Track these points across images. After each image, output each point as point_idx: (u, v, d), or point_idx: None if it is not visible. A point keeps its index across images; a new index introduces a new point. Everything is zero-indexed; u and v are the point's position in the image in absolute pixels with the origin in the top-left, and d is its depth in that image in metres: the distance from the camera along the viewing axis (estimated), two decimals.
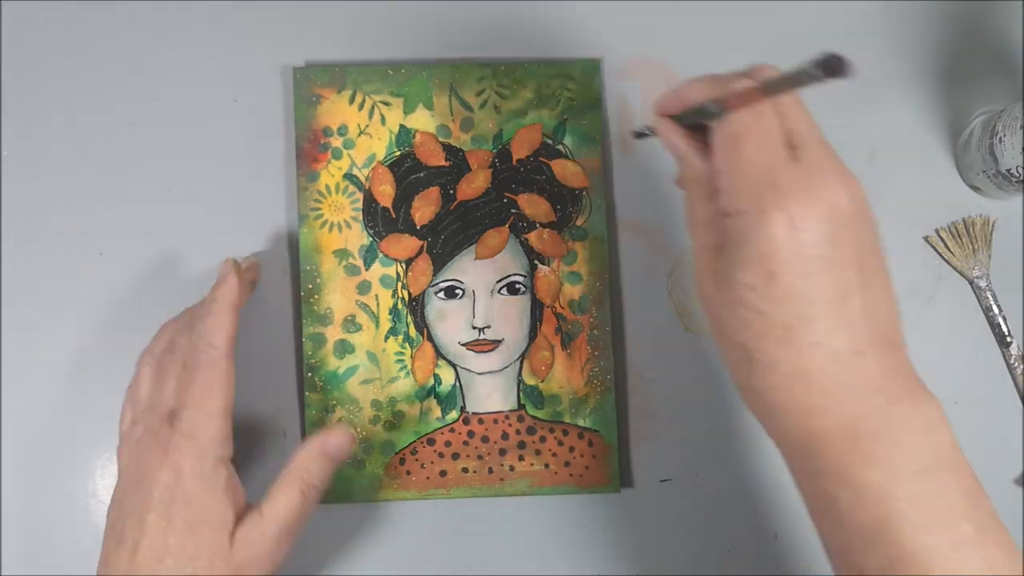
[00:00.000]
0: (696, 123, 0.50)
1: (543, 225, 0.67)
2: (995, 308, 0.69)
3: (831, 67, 0.39)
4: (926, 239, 0.69)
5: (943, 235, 0.69)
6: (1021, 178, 0.63)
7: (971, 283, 0.69)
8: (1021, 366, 0.68)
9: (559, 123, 0.68)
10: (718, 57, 0.69)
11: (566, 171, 0.68)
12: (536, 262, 0.67)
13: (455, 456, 0.66)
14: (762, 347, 0.46)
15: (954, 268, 0.69)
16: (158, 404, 0.58)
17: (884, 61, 0.70)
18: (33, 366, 0.67)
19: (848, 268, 0.45)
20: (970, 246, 0.69)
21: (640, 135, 0.60)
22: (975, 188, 0.69)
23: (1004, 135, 0.63)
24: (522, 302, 0.67)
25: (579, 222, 0.67)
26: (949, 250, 0.69)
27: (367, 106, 0.68)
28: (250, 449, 0.67)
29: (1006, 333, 0.69)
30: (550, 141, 0.68)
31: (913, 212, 0.69)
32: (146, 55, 0.69)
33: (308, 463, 0.59)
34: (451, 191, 0.67)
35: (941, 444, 0.46)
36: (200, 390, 0.57)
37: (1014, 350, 0.68)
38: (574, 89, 0.68)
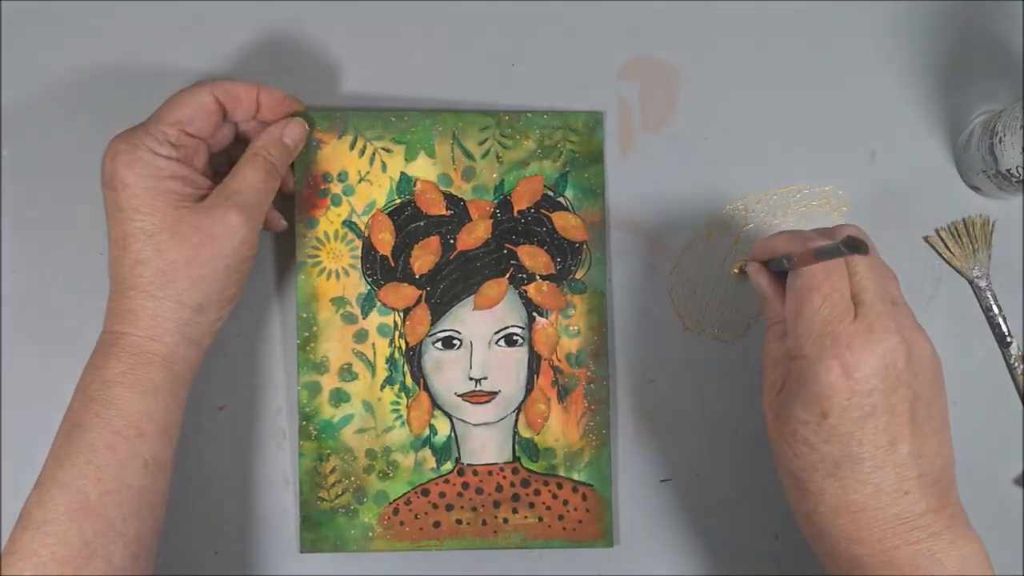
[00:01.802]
0: (782, 270, 0.56)
1: (542, 277, 0.67)
2: (995, 308, 0.69)
3: (853, 246, 0.48)
4: (926, 239, 0.69)
5: (943, 235, 0.69)
6: (1021, 178, 0.63)
7: (971, 283, 0.69)
8: (1021, 366, 0.68)
9: (561, 175, 0.68)
10: (718, 58, 0.70)
11: (567, 224, 0.67)
12: (534, 314, 0.67)
13: (449, 507, 0.66)
14: (812, 477, 0.52)
15: (954, 268, 0.69)
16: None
17: (884, 61, 0.70)
18: (33, 366, 0.67)
19: (898, 416, 0.51)
20: (970, 246, 0.69)
21: (742, 273, 0.63)
22: (975, 188, 0.69)
23: (1004, 135, 0.63)
24: (519, 354, 0.67)
25: (578, 275, 0.67)
26: (949, 250, 0.69)
27: (368, 152, 0.67)
28: (250, 449, 0.67)
29: (1006, 333, 0.69)
30: (551, 193, 0.67)
31: (913, 212, 0.69)
32: (151, 72, 0.69)
33: (268, 145, 0.62)
34: (451, 240, 0.67)
35: None
36: (169, 104, 0.60)
37: (1014, 350, 0.68)
38: (577, 141, 0.68)
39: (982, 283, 0.69)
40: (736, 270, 0.65)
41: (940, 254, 0.69)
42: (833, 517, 0.52)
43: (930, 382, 0.52)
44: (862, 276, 0.52)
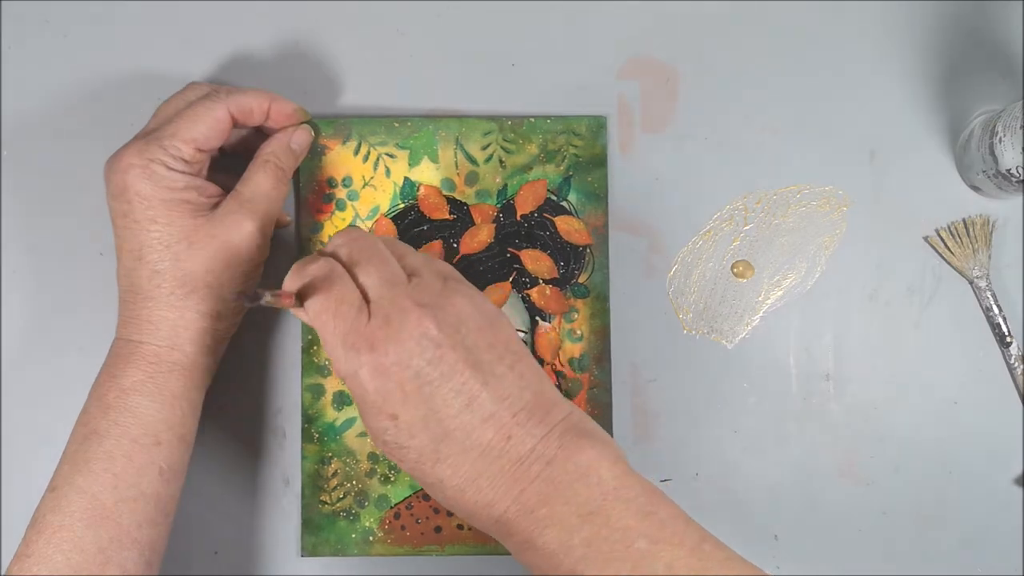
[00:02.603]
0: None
1: (545, 281, 0.67)
2: (995, 308, 0.69)
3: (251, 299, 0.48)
4: (926, 239, 0.69)
5: (943, 235, 0.69)
6: (1021, 178, 0.63)
7: (971, 283, 0.69)
8: (1021, 366, 0.68)
9: (564, 179, 0.68)
10: (718, 58, 0.70)
11: (570, 228, 0.67)
12: (537, 318, 0.67)
13: (450, 512, 0.66)
14: (425, 471, 0.51)
15: (954, 268, 0.69)
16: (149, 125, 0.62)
17: (884, 61, 0.70)
18: (33, 366, 0.67)
19: (460, 375, 0.49)
20: (970, 246, 0.69)
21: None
22: (975, 188, 0.69)
23: (1004, 135, 0.63)
24: None
25: (581, 279, 0.67)
26: (949, 250, 0.69)
27: (372, 158, 0.67)
28: (250, 449, 0.68)
29: (1006, 333, 0.69)
30: (554, 197, 0.68)
31: (913, 212, 0.69)
32: (151, 73, 0.69)
33: (278, 152, 0.63)
34: (454, 245, 0.67)
35: (601, 481, 0.49)
36: (185, 119, 0.59)
37: (1014, 350, 0.69)
38: (580, 146, 0.68)
39: (982, 283, 0.69)
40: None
41: (940, 254, 0.69)
42: (461, 496, 0.50)
43: (479, 330, 0.50)
44: (361, 271, 0.51)
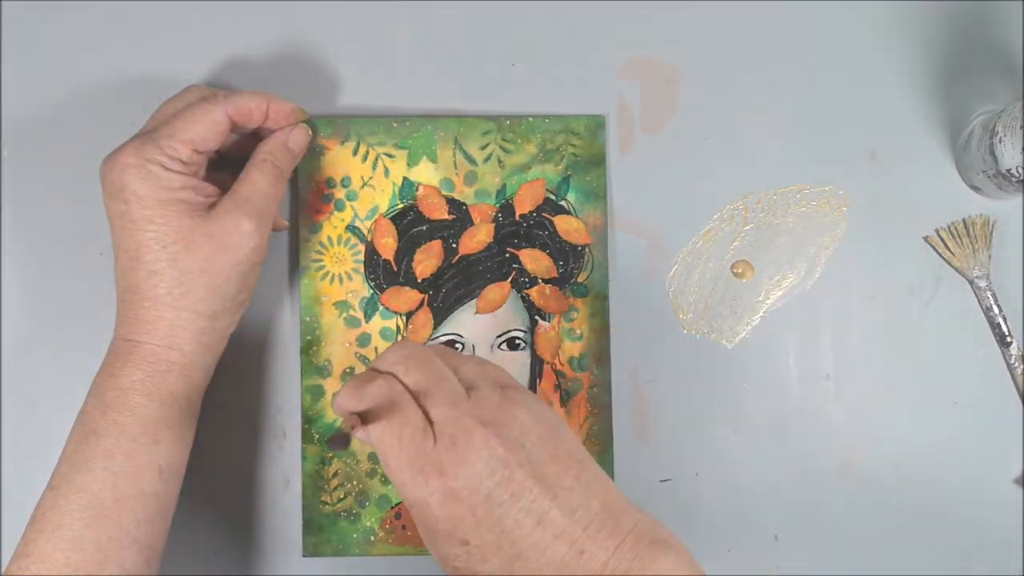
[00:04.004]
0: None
1: (544, 281, 0.67)
2: (995, 308, 0.69)
3: (330, 442, 0.47)
4: (926, 239, 0.69)
5: (943, 235, 0.69)
6: (1021, 178, 0.63)
7: (971, 283, 0.69)
8: (1021, 366, 0.68)
9: (563, 179, 0.68)
10: (718, 58, 0.70)
11: (569, 227, 0.67)
12: (536, 318, 0.67)
13: None
14: None
15: (954, 268, 0.69)
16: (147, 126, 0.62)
17: (884, 61, 0.70)
18: (33, 365, 0.68)
19: (529, 493, 0.48)
20: (970, 246, 0.69)
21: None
22: (975, 188, 0.69)
23: (1004, 135, 0.63)
24: (521, 358, 0.67)
25: (581, 279, 0.67)
26: (949, 250, 0.69)
27: (371, 158, 0.67)
28: (250, 449, 0.68)
29: (1006, 333, 0.69)
30: (553, 197, 0.68)
31: (913, 212, 0.69)
32: (151, 73, 0.69)
33: (275, 151, 0.62)
34: (453, 245, 0.67)
35: None
36: (183, 120, 0.59)
37: (1014, 350, 0.68)
38: (579, 145, 0.68)
39: (982, 283, 0.69)
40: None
41: (940, 254, 0.69)
42: None
43: (541, 441, 0.50)
44: (421, 391, 0.50)
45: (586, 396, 0.67)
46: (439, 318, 0.67)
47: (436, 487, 0.48)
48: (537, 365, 0.67)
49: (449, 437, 0.49)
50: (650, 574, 0.48)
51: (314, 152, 0.67)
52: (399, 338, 0.66)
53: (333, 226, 0.67)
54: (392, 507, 0.66)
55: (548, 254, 0.67)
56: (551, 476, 0.49)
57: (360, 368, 0.66)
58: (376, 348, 0.66)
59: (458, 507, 0.48)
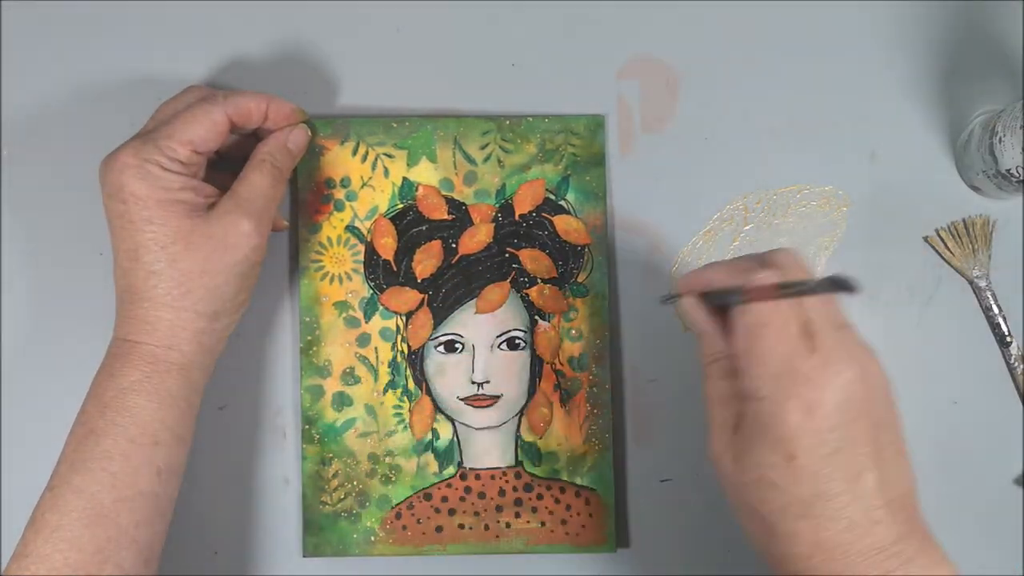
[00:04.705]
0: (724, 304, 0.53)
1: (544, 281, 0.67)
2: (995, 308, 0.69)
3: (840, 285, 0.47)
4: (926, 239, 0.69)
5: (943, 235, 0.69)
6: (1021, 178, 0.63)
7: (971, 283, 0.69)
8: (1021, 366, 0.68)
9: (562, 179, 0.68)
10: (719, 57, 0.70)
11: (568, 227, 0.67)
12: (536, 318, 0.67)
13: (451, 512, 0.66)
14: (782, 520, 0.50)
15: (954, 268, 0.69)
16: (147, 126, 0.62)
17: (884, 61, 0.70)
18: (32, 366, 0.68)
19: (862, 446, 0.49)
20: (970, 246, 0.69)
21: (669, 301, 0.60)
22: (975, 188, 0.69)
23: (1004, 135, 0.63)
24: (522, 358, 0.67)
25: (580, 279, 0.67)
26: (949, 250, 0.69)
27: (370, 158, 0.67)
28: (250, 449, 0.68)
29: (1006, 333, 0.69)
30: (553, 197, 0.68)
31: (913, 212, 0.69)
32: (151, 73, 0.69)
33: (274, 152, 0.62)
34: (453, 245, 0.67)
35: None
36: (182, 121, 0.59)
37: (1014, 350, 0.69)
38: (578, 145, 0.68)
39: (982, 283, 0.69)
40: (663, 298, 0.61)
41: (940, 254, 0.69)
42: (807, 558, 0.50)
43: (885, 405, 0.51)
44: (811, 304, 0.51)
45: (586, 396, 0.67)
46: (439, 318, 0.67)
47: (797, 394, 0.48)
48: (537, 365, 0.67)
49: (825, 355, 0.49)
50: (931, 572, 0.49)
51: (314, 152, 0.67)
52: (399, 338, 0.66)
53: (333, 226, 0.67)
54: (392, 507, 0.66)
55: (548, 254, 0.67)
56: (882, 441, 0.50)
57: (360, 368, 0.67)
58: (376, 348, 0.66)
59: (806, 421, 0.48)
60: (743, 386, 0.51)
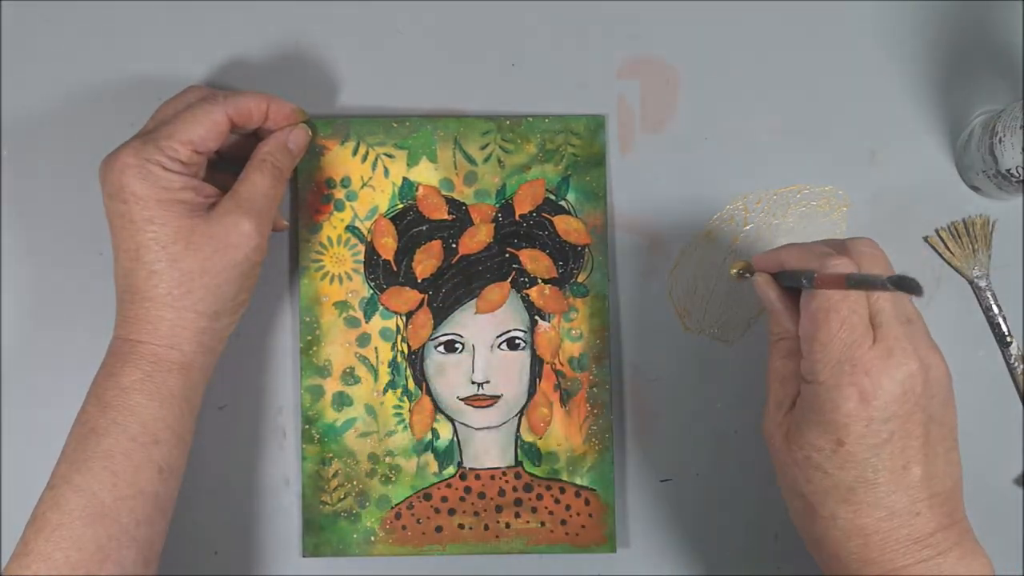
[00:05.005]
0: (795, 286, 0.55)
1: (544, 281, 0.67)
2: (995, 308, 0.69)
3: (906, 286, 0.46)
4: (926, 239, 0.69)
5: (943, 235, 0.69)
6: (1021, 178, 0.63)
7: (971, 283, 0.69)
8: (1021, 366, 0.68)
9: (563, 179, 0.68)
10: (719, 57, 0.69)
11: (568, 227, 0.67)
12: (536, 318, 0.67)
13: (451, 512, 0.66)
14: (824, 502, 0.52)
15: (954, 268, 0.69)
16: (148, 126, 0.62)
17: (884, 61, 0.70)
18: (33, 365, 0.68)
19: (913, 440, 0.51)
20: (970, 246, 0.69)
21: (742, 276, 0.61)
22: (975, 188, 0.69)
23: (1004, 135, 0.63)
24: (522, 358, 0.67)
25: (580, 279, 0.67)
26: (949, 250, 0.69)
27: (370, 158, 0.67)
28: (250, 449, 0.68)
29: (1006, 333, 0.69)
30: (553, 197, 0.68)
31: (913, 212, 0.69)
32: (151, 73, 0.69)
33: (275, 151, 0.63)
34: (453, 245, 0.67)
35: None
36: (183, 121, 0.59)
37: (1014, 350, 0.68)
38: (578, 145, 0.68)
39: (982, 283, 0.69)
40: (735, 271, 0.63)
41: (940, 254, 0.69)
42: (844, 541, 0.52)
43: (943, 402, 0.52)
44: (880, 295, 0.52)
45: (586, 396, 0.67)
46: (439, 318, 0.67)
47: (855, 382, 0.49)
48: (537, 365, 0.67)
49: (888, 347, 0.50)
50: (966, 564, 0.51)
51: (314, 152, 0.67)
52: (399, 338, 0.66)
53: (333, 226, 0.67)
54: (392, 507, 0.66)
55: (548, 254, 0.67)
56: (933, 436, 0.51)
57: (360, 368, 0.67)
58: (376, 348, 0.66)
59: (859, 410, 0.49)
60: (803, 368, 0.52)
